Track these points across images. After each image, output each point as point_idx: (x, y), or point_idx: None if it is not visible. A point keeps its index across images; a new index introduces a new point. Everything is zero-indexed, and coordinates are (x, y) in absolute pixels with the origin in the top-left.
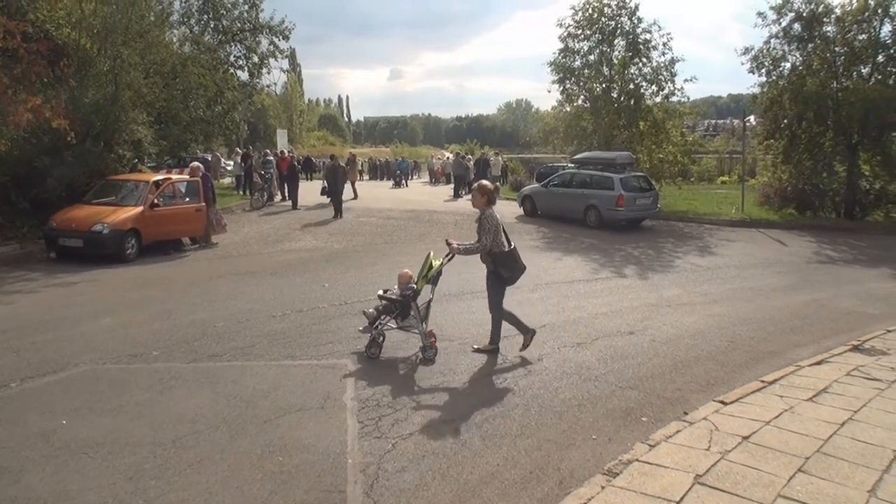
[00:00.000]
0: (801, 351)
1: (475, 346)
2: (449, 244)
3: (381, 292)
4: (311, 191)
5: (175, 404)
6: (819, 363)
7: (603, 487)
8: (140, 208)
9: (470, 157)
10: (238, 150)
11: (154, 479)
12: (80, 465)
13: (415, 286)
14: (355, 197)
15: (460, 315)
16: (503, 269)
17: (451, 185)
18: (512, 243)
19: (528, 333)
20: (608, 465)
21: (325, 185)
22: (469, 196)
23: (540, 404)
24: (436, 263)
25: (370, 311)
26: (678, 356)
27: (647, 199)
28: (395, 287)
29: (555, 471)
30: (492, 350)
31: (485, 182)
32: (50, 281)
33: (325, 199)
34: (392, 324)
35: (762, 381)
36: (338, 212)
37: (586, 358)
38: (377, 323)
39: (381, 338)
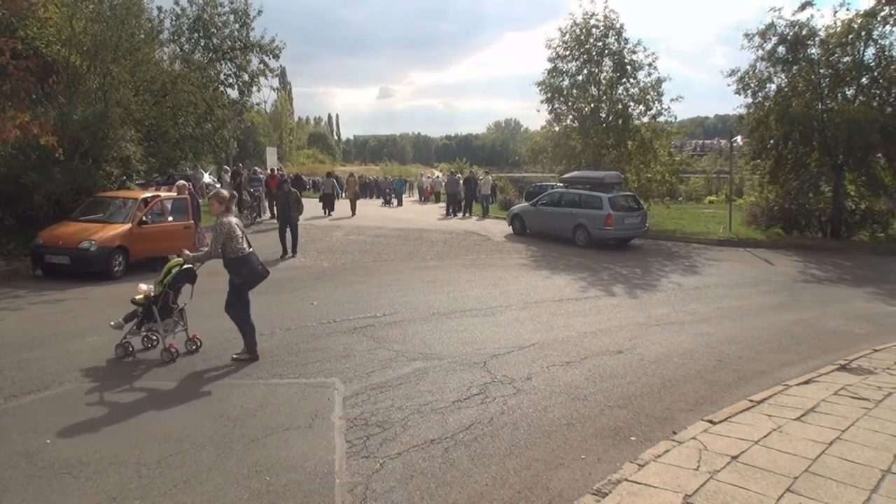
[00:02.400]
0: (789, 370)
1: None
2: (181, 253)
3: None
4: None
5: (161, 423)
6: (807, 382)
7: None
8: (128, 225)
9: (459, 175)
10: (227, 167)
11: (139, 499)
12: (63, 485)
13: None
14: (353, 215)
15: (450, 333)
16: (234, 274)
17: (440, 204)
18: (250, 248)
19: (252, 353)
20: (597, 485)
21: (321, 202)
22: (461, 214)
23: (529, 423)
24: (174, 270)
25: (118, 321)
26: (667, 375)
27: (635, 219)
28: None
29: (544, 491)
30: (248, 359)
31: (223, 191)
32: (36, 298)
33: (321, 214)
34: (145, 327)
35: (750, 401)
36: (285, 250)
37: (575, 377)
38: (142, 327)
39: (149, 341)
